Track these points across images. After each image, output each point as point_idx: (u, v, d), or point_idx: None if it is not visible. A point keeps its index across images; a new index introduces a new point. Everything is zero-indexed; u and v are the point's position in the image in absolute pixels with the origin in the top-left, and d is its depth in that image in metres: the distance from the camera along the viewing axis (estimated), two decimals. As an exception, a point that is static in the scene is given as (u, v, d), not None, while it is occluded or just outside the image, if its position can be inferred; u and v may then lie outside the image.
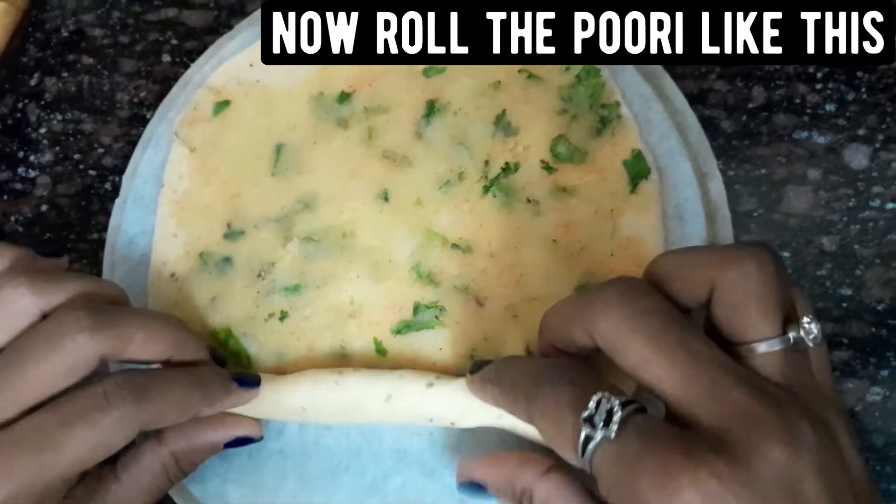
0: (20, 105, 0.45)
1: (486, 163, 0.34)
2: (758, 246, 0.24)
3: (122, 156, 0.43)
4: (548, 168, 0.34)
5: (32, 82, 0.46)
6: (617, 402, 0.23)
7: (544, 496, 0.26)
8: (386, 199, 0.35)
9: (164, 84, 0.44)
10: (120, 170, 0.43)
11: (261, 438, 0.33)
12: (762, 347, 0.23)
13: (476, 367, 0.30)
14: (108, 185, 0.43)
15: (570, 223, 0.33)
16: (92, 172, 0.44)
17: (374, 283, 0.34)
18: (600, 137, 0.34)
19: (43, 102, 0.45)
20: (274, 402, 0.32)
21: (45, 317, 0.29)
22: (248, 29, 0.39)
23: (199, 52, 0.44)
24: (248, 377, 0.32)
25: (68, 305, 0.28)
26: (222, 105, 0.37)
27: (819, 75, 0.37)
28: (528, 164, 0.34)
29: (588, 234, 0.33)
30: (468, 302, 0.33)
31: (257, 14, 0.40)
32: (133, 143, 0.42)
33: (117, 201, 0.39)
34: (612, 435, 0.23)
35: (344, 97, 0.36)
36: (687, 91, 0.36)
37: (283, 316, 0.34)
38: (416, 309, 0.34)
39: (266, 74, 0.38)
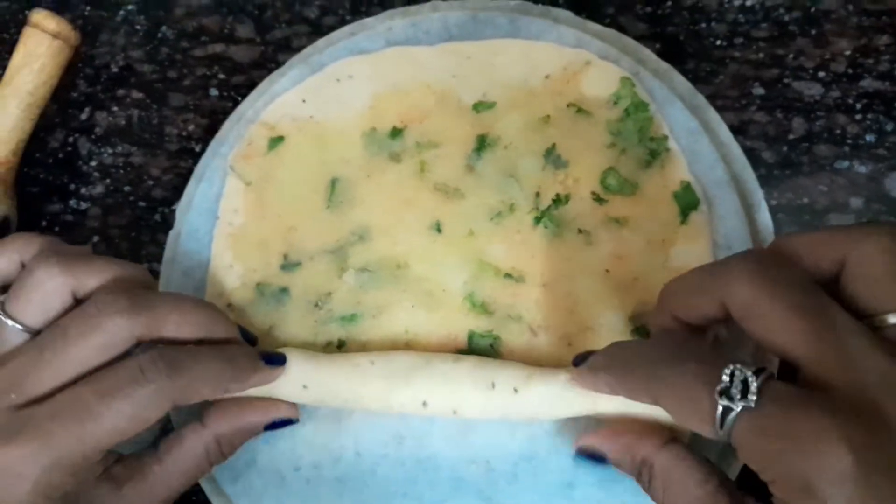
0: (71, 139, 0.47)
1: (537, 195, 0.35)
2: (890, 223, 0.25)
3: (172, 187, 0.44)
4: (598, 199, 0.35)
5: (83, 117, 0.47)
6: (750, 373, 0.24)
7: (664, 466, 0.27)
8: (439, 230, 0.36)
9: (212, 118, 0.45)
10: (169, 201, 0.44)
11: (297, 420, 0.34)
12: None
13: (580, 359, 0.31)
14: (157, 217, 0.44)
15: (623, 254, 0.34)
16: (142, 204, 0.45)
17: (429, 312, 0.35)
18: (650, 169, 0.35)
19: (93, 136, 0.47)
20: (340, 362, 0.33)
21: (76, 298, 0.30)
22: (299, 65, 0.40)
23: (247, 86, 0.45)
24: (274, 356, 0.33)
25: (104, 289, 0.29)
26: (276, 140, 0.39)
27: (858, 106, 0.38)
28: (578, 196, 0.35)
29: (640, 264, 0.34)
30: (522, 331, 0.34)
31: (308, 50, 0.41)
32: (181, 176, 0.44)
33: (171, 234, 0.40)
34: (753, 404, 0.23)
35: (396, 133, 0.38)
36: (727, 123, 0.37)
37: (341, 344, 0.35)
38: (471, 338, 0.34)
39: (319, 111, 0.39)
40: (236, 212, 0.38)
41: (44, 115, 0.45)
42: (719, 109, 0.37)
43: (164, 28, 0.47)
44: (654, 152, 0.35)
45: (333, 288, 0.36)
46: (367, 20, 0.41)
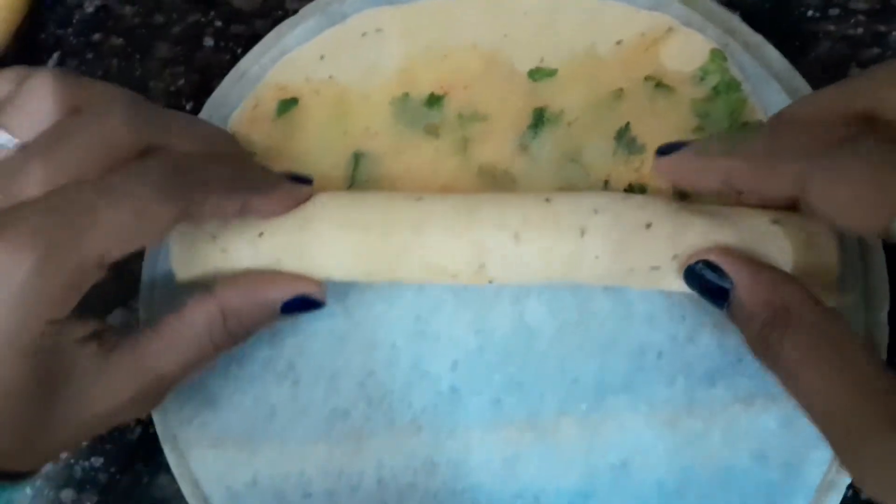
0: (36, 90, 0.40)
1: (606, 183, 0.30)
2: None
3: (156, 153, 0.38)
4: (680, 193, 0.29)
5: (51, 64, 0.40)
6: None
7: (818, 322, 0.22)
8: (484, 221, 0.30)
9: (206, 73, 0.38)
10: (154, 169, 0.37)
11: (323, 302, 0.28)
12: None
13: (668, 149, 0.26)
14: (139, 186, 0.38)
15: (708, 258, 0.29)
16: (120, 171, 0.38)
17: (470, 318, 0.30)
18: (743, 161, 0.29)
19: (63, 88, 0.40)
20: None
21: None
22: (316, 15, 0.34)
23: (247, 37, 0.38)
24: (300, 175, 0.29)
25: (102, 95, 0.26)
26: (288, 104, 0.32)
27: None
28: (656, 188, 0.29)
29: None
30: (583, 346, 0.29)
31: (326, -2, 0.35)
32: (168, 139, 0.37)
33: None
34: None
35: (434, 100, 0.31)
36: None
37: (364, 355, 0.30)
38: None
39: (340, 70, 0.32)
40: (238, 187, 0.32)
41: (2, 60, 0.38)
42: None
43: (149, -38, 0.40)
44: (748, 140, 0.29)
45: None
46: (400, -36, 0.34)
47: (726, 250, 0.24)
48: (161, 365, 0.26)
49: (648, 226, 0.25)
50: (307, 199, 0.28)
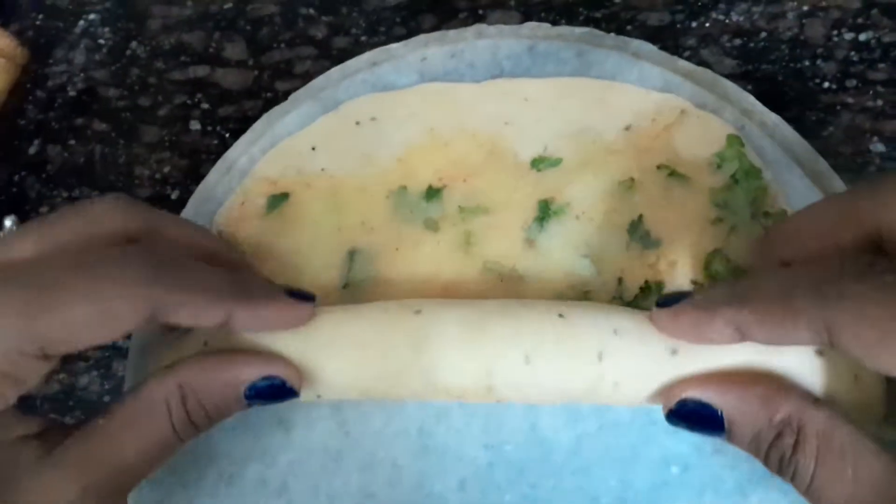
0: (17, 178, 0.38)
1: (620, 281, 0.28)
2: None
3: (142, 242, 0.36)
4: (702, 290, 0.27)
5: (32, 150, 0.39)
6: None
7: (823, 428, 0.21)
8: (490, 322, 0.28)
9: (193, 158, 0.37)
10: (139, 261, 0.35)
11: (297, 391, 0.25)
12: None
13: (668, 300, 0.23)
14: (124, 279, 0.36)
15: (734, 363, 0.26)
16: (104, 263, 0.36)
17: (478, 429, 0.27)
18: (767, 255, 0.27)
19: (44, 175, 0.38)
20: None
21: None
22: (307, 101, 0.32)
23: (236, 119, 0.37)
24: (302, 292, 0.26)
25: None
26: (279, 199, 0.30)
27: None
28: (674, 284, 0.27)
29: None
30: (602, 461, 0.26)
31: (318, 82, 0.33)
32: (155, 228, 0.35)
33: (141, 309, 0.32)
34: None
35: (433, 193, 0.30)
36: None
37: (364, 475, 0.27)
38: (535, 467, 0.27)
39: (333, 162, 0.31)
40: (226, 289, 0.30)
41: (-18, 149, 0.36)
42: (840, 169, 0.30)
43: (134, 44, 0.39)
44: (772, 232, 0.27)
45: (354, 395, 0.28)
46: (394, 47, 0.33)
47: (707, 378, 0.23)
48: (117, 455, 0.23)
49: (674, 352, 0.23)
50: (308, 319, 0.25)
